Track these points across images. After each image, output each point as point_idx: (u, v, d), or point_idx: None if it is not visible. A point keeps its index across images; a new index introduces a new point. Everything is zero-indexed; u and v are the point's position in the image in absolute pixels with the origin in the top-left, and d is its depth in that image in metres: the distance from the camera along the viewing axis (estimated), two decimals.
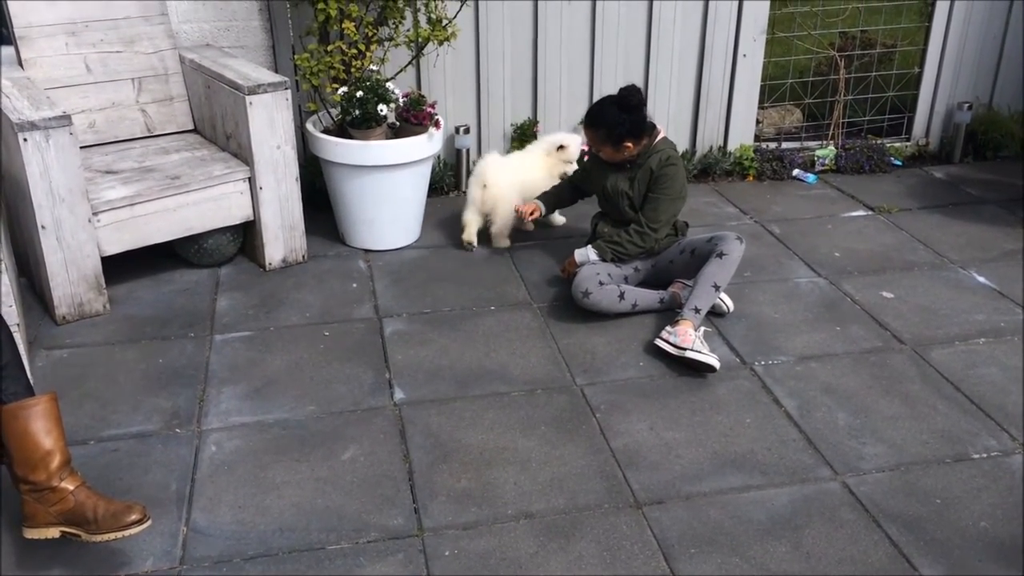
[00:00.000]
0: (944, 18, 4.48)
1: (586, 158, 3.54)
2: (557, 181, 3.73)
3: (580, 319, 3.23)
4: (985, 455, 2.55)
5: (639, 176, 3.25)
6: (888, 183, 4.46)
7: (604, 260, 3.29)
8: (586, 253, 3.32)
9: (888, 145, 4.67)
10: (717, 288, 3.08)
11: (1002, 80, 4.69)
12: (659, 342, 2.99)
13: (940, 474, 2.48)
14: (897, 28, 4.77)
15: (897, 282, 3.50)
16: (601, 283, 3.18)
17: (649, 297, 3.25)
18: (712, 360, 2.88)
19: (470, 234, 3.76)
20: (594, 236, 3.43)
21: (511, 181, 3.70)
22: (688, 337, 2.92)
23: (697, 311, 3.03)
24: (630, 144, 3.19)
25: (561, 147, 3.74)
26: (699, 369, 2.90)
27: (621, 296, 3.19)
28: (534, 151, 3.84)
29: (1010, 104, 4.73)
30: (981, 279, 3.52)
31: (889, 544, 2.24)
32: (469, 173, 4.34)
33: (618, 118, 3.14)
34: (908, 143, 4.74)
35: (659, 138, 3.24)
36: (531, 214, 3.58)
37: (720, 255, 3.11)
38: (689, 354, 2.89)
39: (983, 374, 2.91)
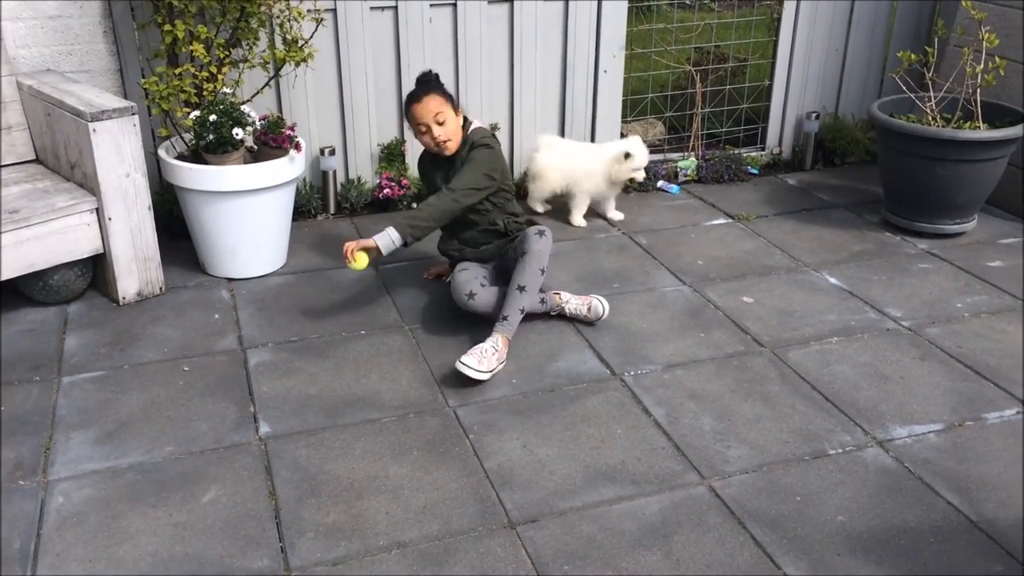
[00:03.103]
0: (789, 33, 4.71)
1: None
2: (615, 184, 4.10)
3: (452, 340, 3.20)
4: (841, 450, 2.66)
5: (457, 165, 3.23)
6: (746, 191, 4.63)
7: (407, 240, 3.05)
8: (387, 236, 3.03)
9: (745, 155, 4.86)
10: (522, 289, 3.05)
11: (846, 90, 4.96)
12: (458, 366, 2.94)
13: (799, 472, 2.57)
14: (748, 43, 4.98)
15: (756, 287, 3.64)
16: (482, 285, 3.18)
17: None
18: (476, 374, 2.88)
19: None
20: (441, 252, 3.49)
21: (552, 161, 4.12)
22: (476, 351, 2.93)
23: (505, 319, 3.04)
24: (457, 114, 3.24)
25: (628, 155, 4.00)
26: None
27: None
28: (593, 149, 4.16)
29: (854, 113, 5.00)
30: (833, 280, 3.69)
31: (754, 544, 2.30)
32: (337, 195, 4.27)
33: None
34: (763, 152, 4.95)
35: (473, 127, 3.30)
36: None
37: (523, 255, 3.10)
38: (457, 364, 2.90)
39: (837, 372, 3.05)
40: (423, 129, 3.19)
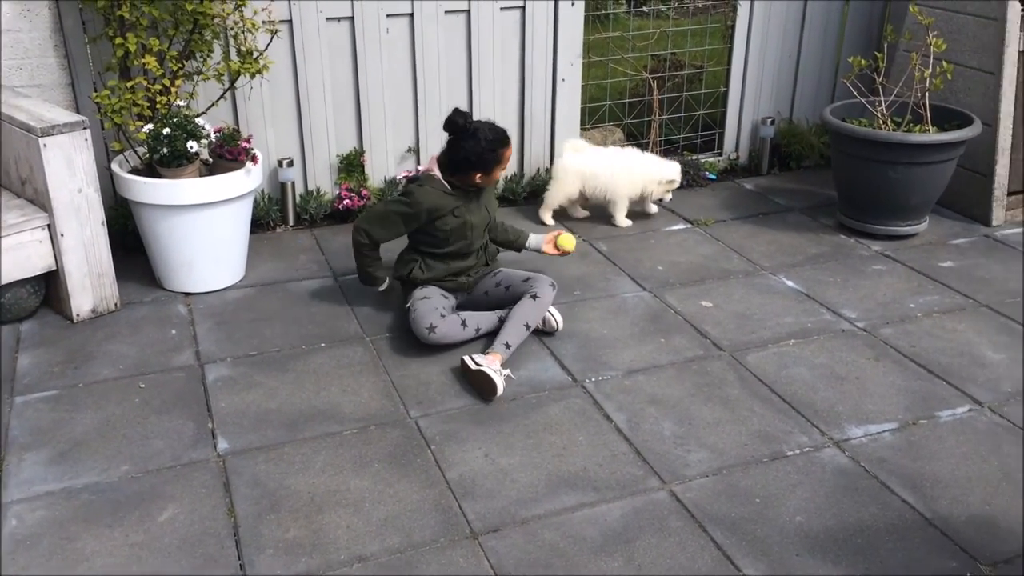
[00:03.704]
0: (744, 39, 4.77)
1: (423, 205, 3.19)
2: (648, 199, 4.27)
3: (414, 350, 3.19)
4: (798, 451, 2.70)
5: (484, 196, 3.33)
6: (704, 196, 4.68)
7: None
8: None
9: (703, 160, 4.91)
10: (527, 327, 3.18)
11: (799, 95, 5.04)
12: (465, 357, 3.00)
13: (758, 474, 2.60)
14: (703, 50, 5.04)
15: (715, 291, 3.67)
16: (442, 316, 3.16)
17: (489, 319, 3.25)
18: (499, 384, 2.91)
19: (574, 210, 4.38)
20: (409, 281, 3.32)
21: (576, 167, 4.17)
22: (498, 371, 2.97)
23: (508, 346, 3.10)
24: None
25: (672, 181, 4.19)
26: (483, 389, 2.93)
27: (463, 324, 3.18)
28: (619, 155, 4.22)
29: (808, 117, 5.08)
30: (790, 283, 3.74)
31: (714, 547, 2.32)
32: (296, 207, 4.25)
33: None
34: (721, 158, 5.00)
35: None
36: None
37: (534, 296, 3.22)
38: (484, 368, 2.93)
39: (794, 374, 3.09)
40: (505, 165, 3.25)
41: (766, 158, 4.97)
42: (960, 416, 2.87)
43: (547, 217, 4.31)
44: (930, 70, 4.03)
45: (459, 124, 3.14)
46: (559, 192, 4.24)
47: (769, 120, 4.90)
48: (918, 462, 2.65)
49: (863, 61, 4.12)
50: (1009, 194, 4.29)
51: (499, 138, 3.18)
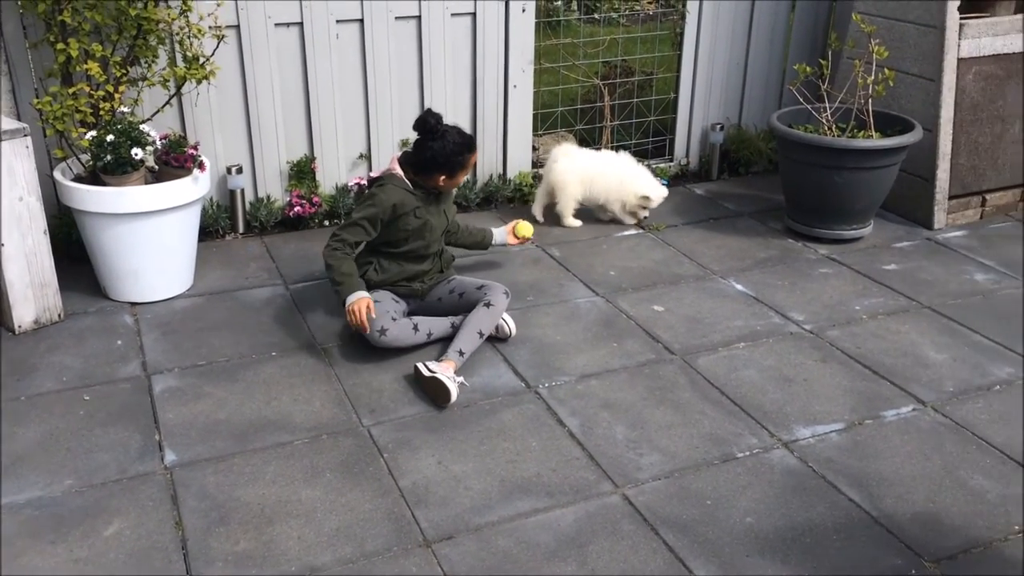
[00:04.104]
0: (692, 46, 4.83)
1: (387, 203, 3.16)
2: (626, 214, 4.36)
3: (366, 358, 3.17)
4: (748, 453, 2.73)
5: (443, 200, 3.34)
6: None
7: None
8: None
9: (654, 166, 4.95)
10: (481, 335, 3.18)
11: (748, 102, 5.12)
12: (418, 364, 3.00)
13: (709, 476, 2.63)
14: (653, 57, 5.10)
15: (667, 295, 3.71)
16: (394, 319, 3.15)
17: (442, 324, 3.25)
18: (453, 391, 2.91)
19: (536, 208, 4.43)
20: (367, 282, 3.27)
21: (575, 170, 4.23)
22: (453, 378, 2.97)
23: (461, 353, 3.10)
24: None
25: (646, 197, 4.25)
26: (437, 396, 2.92)
27: (415, 328, 3.18)
28: (613, 160, 4.33)
29: (756, 124, 5.16)
30: (739, 287, 3.79)
31: (666, 550, 2.34)
32: (245, 214, 4.20)
33: None
34: (672, 163, 5.06)
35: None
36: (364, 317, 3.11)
37: (488, 305, 3.23)
38: (438, 375, 2.92)
39: (744, 376, 3.13)
40: (468, 170, 3.30)
41: (716, 164, 5.03)
42: (904, 416, 2.93)
43: (571, 221, 4.37)
44: (873, 77, 4.12)
45: (430, 124, 3.15)
46: (570, 199, 4.30)
47: (718, 126, 4.97)
48: (864, 461, 2.70)
49: (808, 68, 4.20)
50: (950, 198, 4.41)
51: (466, 142, 3.21)
